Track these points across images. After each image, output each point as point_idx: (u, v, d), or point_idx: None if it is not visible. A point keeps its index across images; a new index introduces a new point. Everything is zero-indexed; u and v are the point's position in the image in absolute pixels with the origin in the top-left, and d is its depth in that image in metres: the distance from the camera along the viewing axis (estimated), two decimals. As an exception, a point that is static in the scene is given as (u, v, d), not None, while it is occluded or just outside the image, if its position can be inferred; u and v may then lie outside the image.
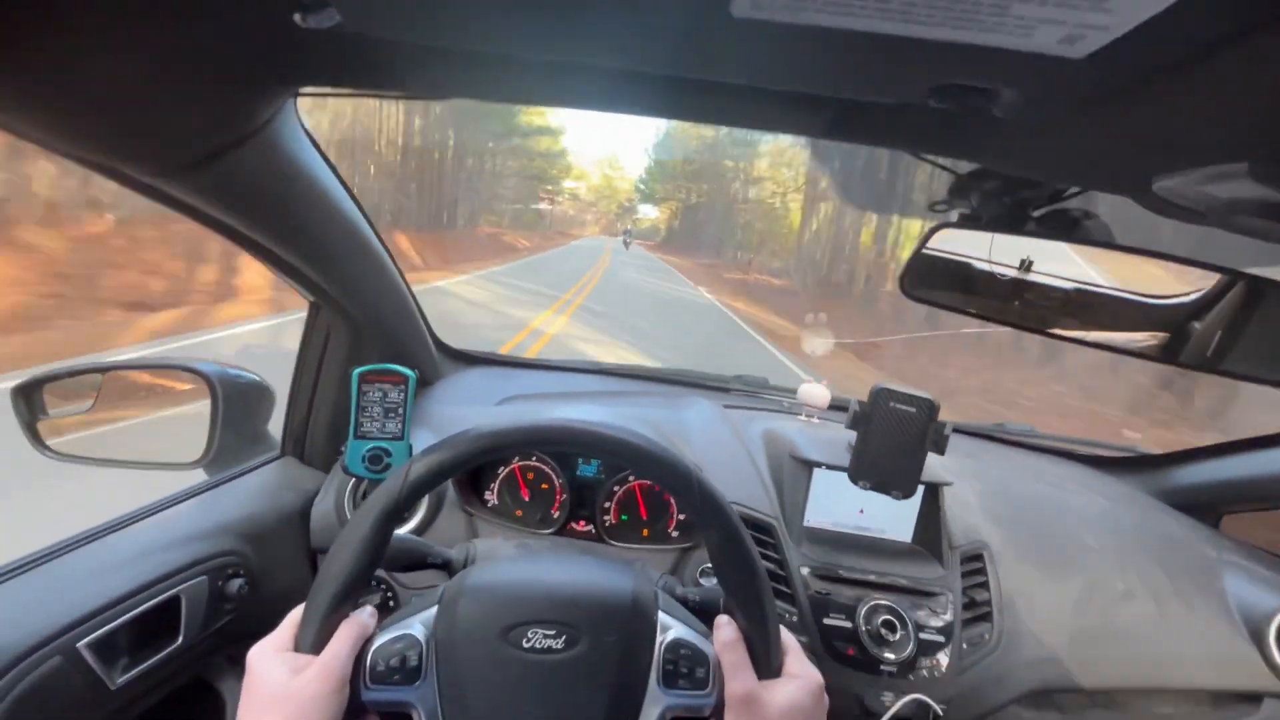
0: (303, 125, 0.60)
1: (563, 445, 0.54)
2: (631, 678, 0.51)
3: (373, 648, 0.51)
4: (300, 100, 0.58)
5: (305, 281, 0.83)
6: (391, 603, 0.85)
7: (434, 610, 0.54)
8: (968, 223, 0.62)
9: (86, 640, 0.62)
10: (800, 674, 0.51)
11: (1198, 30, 0.26)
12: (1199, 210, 0.38)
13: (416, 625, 0.53)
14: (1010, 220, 0.59)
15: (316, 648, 0.49)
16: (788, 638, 0.54)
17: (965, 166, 0.57)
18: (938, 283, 0.75)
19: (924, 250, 0.73)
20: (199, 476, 0.95)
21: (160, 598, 0.70)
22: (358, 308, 0.93)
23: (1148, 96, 0.32)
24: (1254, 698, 0.95)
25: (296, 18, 0.35)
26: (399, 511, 0.52)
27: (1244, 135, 0.31)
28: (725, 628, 0.52)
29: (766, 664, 0.51)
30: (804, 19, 0.30)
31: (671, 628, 0.54)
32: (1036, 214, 0.60)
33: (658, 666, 0.51)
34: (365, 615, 0.53)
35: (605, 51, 0.40)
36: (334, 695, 0.47)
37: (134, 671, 0.66)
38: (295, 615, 0.52)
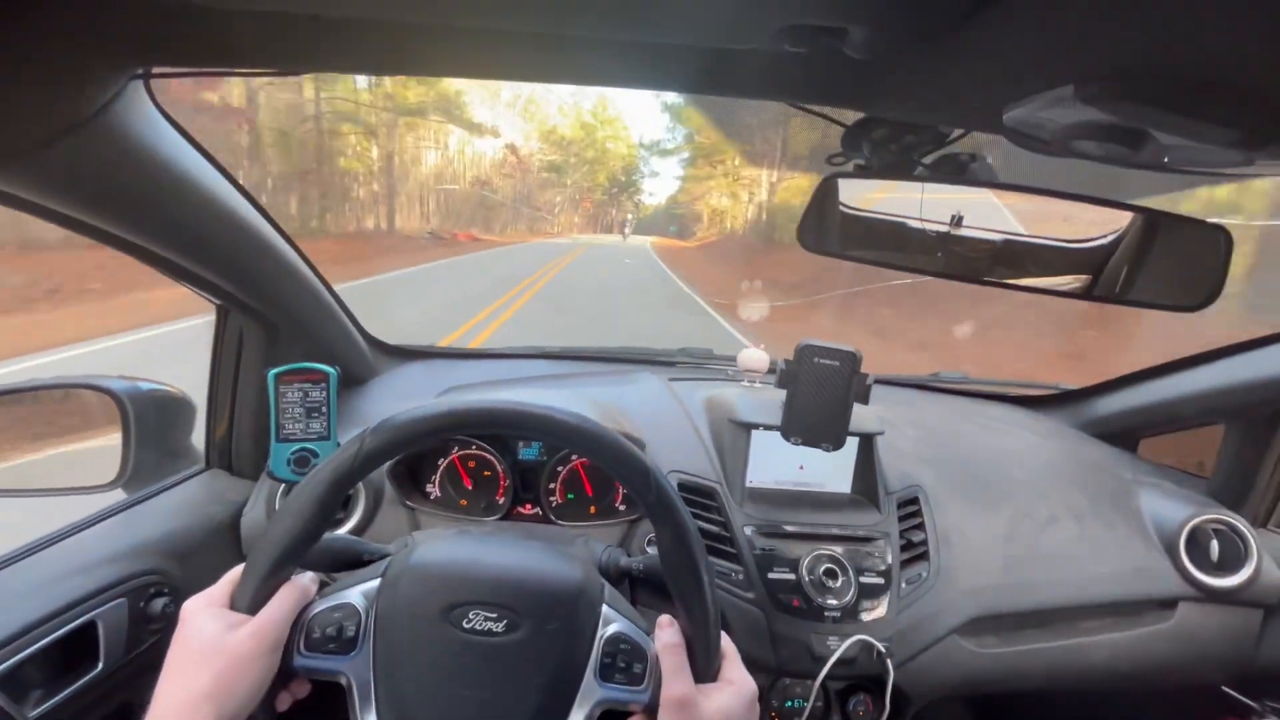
0: (160, 109, 0.56)
1: (523, 430, 0.54)
2: (569, 667, 0.51)
3: (311, 614, 0.51)
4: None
5: (202, 283, 0.79)
6: None
7: (376, 583, 0.53)
8: (862, 173, 0.63)
9: None
10: (736, 681, 0.52)
11: None
12: (1045, 140, 0.39)
13: (357, 596, 0.52)
14: (900, 167, 0.61)
15: (253, 608, 0.48)
16: (727, 644, 0.55)
17: (850, 117, 0.58)
18: (850, 236, 0.76)
19: (840, 207, 0.74)
20: (116, 499, 0.90)
21: (72, 625, 0.67)
22: (267, 307, 0.89)
23: (981, 24, 0.33)
24: (1170, 603, 1.02)
25: None
26: (350, 480, 0.51)
27: (1066, 59, 0.32)
28: (667, 629, 0.53)
29: (705, 669, 0.52)
30: None
31: (614, 621, 0.54)
32: (925, 160, 0.61)
33: (596, 658, 0.52)
34: (306, 580, 0.52)
35: (461, 10, 0.39)
36: (267, 656, 0.47)
37: (49, 704, 0.63)
38: (234, 573, 0.51)
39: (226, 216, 0.70)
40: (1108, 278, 0.75)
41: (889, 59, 0.38)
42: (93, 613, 0.69)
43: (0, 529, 0.86)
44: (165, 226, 0.65)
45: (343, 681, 0.49)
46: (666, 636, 0.52)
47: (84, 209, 0.55)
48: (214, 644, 0.45)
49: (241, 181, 0.72)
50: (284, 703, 0.51)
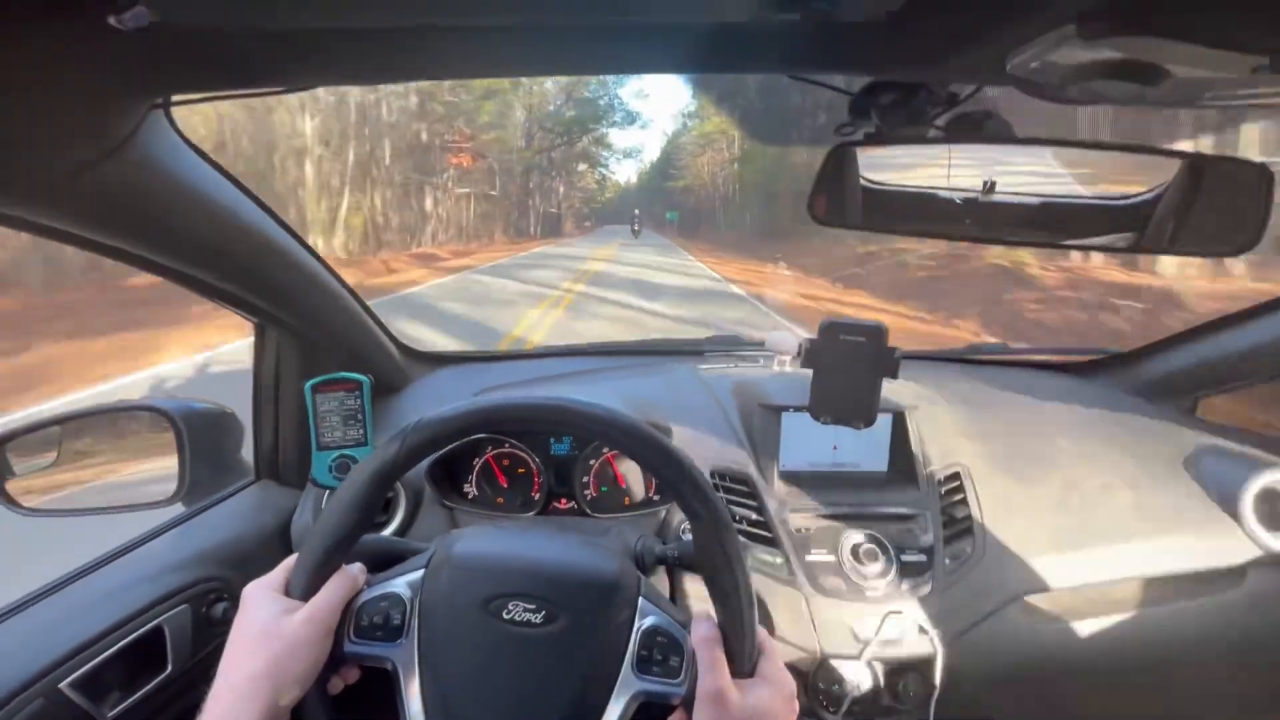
0: (182, 136, 0.58)
1: (557, 425, 0.54)
2: (606, 659, 0.52)
3: (359, 602, 0.53)
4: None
5: (237, 302, 0.83)
6: None
7: (420, 573, 0.55)
8: (873, 140, 0.61)
9: (69, 680, 0.63)
10: (773, 678, 0.52)
11: None
12: (1057, 85, 0.38)
13: (402, 586, 0.54)
14: (912, 131, 0.59)
15: (307, 594, 0.51)
16: (766, 640, 0.55)
17: (854, 85, 0.57)
18: (870, 207, 0.73)
19: (860, 177, 0.72)
20: (176, 514, 0.95)
21: (142, 630, 0.71)
22: (300, 322, 0.93)
23: None
24: (1239, 571, 0.97)
25: (112, 20, 0.35)
26: (394, 474, 0.53)
27: None
28: (704, 623, 0.53)
29: (742, 663, 0.51)
30: None
31: (650, 614, 0.54)
32: (938, 122, 0.59)
33: (633, 651, 0.52)
34: (356, 570, 0.55)
35: (451, 10, 0.40)
36: (319, 642, 0.49)
37: (125, 704, 0.67)
38: (290, 561, 0.54)
39: (253, 235, 0.73)
40: (1155, 229, 0.72)
41: (881, 17, 0.36)
42: (160, 618, 0.73)
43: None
44: (195, 249, 0.68)
45: (389, 668, 0.51)
46: (703, 630, 0.52)
47: (114, 236, 0.59)
48: (271, 628, 0.48)
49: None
50: (335, 686, 0.53)
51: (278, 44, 0.46)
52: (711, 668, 0.49)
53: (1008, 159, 0.70)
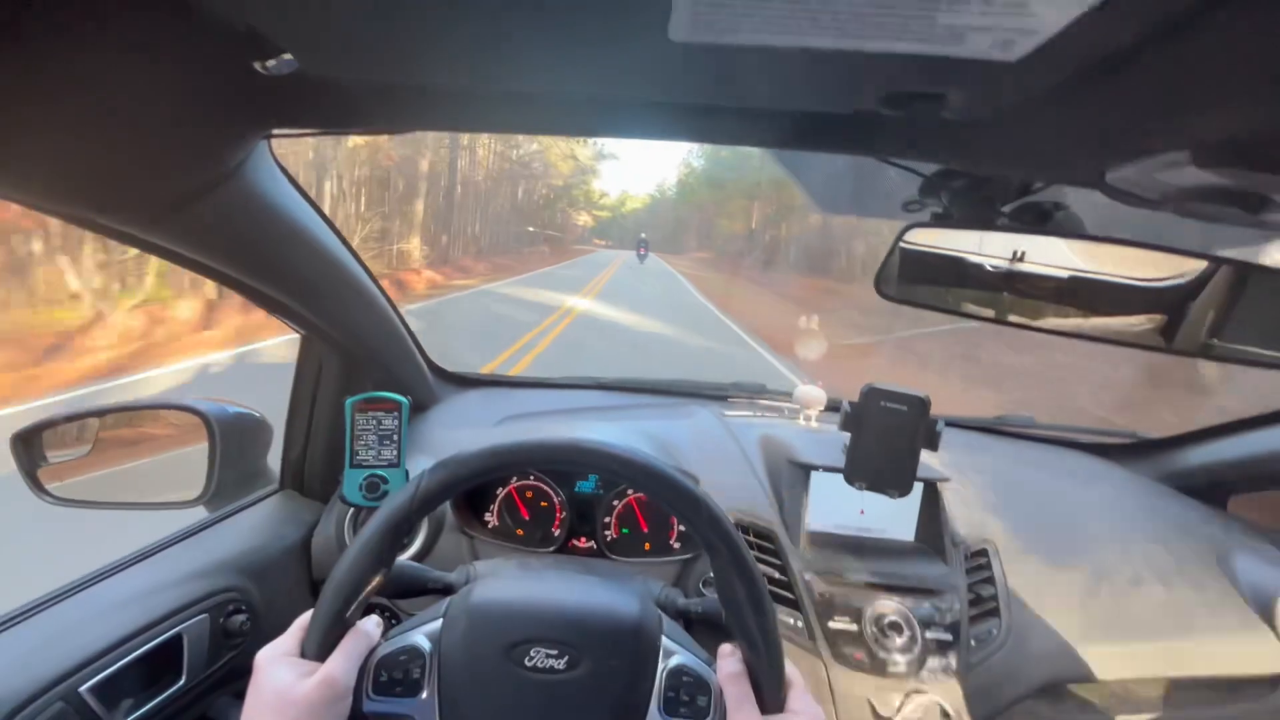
0: (278, 164, 0.61)
1: (570, 464, 0.55)
2: (632, 702, 0.51)
3: (376, 658, 0.52)
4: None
5: (293, 316, 0.84)
6: None
7: (438, 624, 0.54)
8: (940, 221, 0.62)
9: (89, 684, 0.62)
10: (803, 711, 0.51)
11: (1122, 30, 0.27)
12: (1154, 198, 0.38)
13: (420, 637, 0.53)
14: (981, 217, 0.60)
15: (321, 654, 0.49)
16: (792, 672, 0.54)
17: (931, 167, 0.58)
18: (916, 282, 0.75)
19: (901, 250, 0.73)
20: (199, 515, 0.95)
21: (161, 638, 0.70)
22: (347, 338, 0.94)
23: (1086, 93, 0.33)
24: (1272, 681, 0.94)
25: (257, 66, 0.36)
26: (408, 522, 0.52)
27: (1180, 126, 0.32)
28: (729, 659, 0.52)
29: (771, 699, 0.50)
30: (743, 39, 0.31)
31: (675, 653, 0.53)
32: (1006, 209, 0.60)
33: (659, 692, 0.51)
34: (370, 625, 0.53)
35: (557, 80, 0.42)
36: (336, 703, 0.48)
37: (137, 714, 0.66)
38: (303, 620, 0.52)
39: (325, 259, 0.75)
40: (1190, 330, 0.72)
41: (985, 121, 0.38)
42: (179, 627, 0.72)
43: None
44: (277, 270, 0.70)
45: None
46: (729, 666, 0.51)
47: (215, 257, 0.61)
48: (286, 694, 0.47)
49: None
50: None
51: (386, 93, 0.49)
52: (740, 706, 0.48)
53: (1064, 250, 0.71)
